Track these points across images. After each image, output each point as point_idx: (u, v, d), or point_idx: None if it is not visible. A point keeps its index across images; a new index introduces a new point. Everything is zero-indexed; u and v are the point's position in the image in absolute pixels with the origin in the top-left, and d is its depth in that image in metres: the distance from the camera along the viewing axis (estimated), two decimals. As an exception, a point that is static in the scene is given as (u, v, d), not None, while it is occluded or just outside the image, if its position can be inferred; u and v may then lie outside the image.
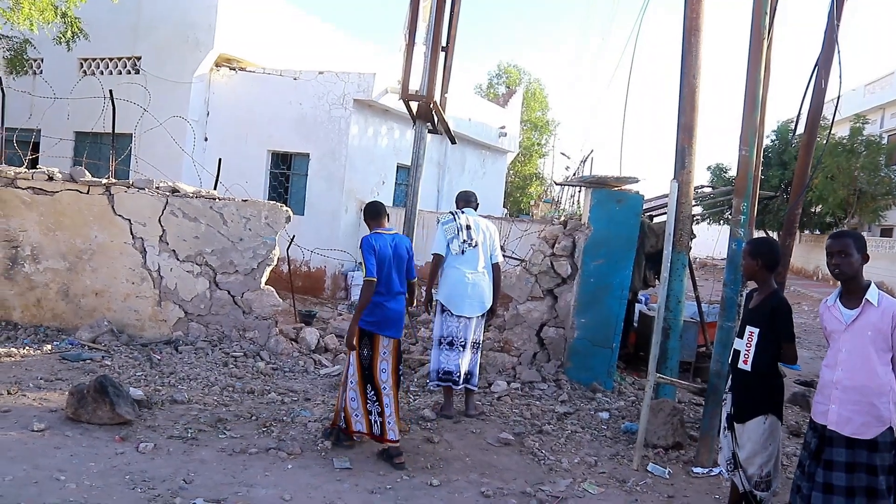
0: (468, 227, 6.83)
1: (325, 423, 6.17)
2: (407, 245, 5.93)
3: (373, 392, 5.68)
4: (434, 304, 7.00)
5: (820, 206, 27.19)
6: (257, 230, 8.80)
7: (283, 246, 9.92)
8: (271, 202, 9.11)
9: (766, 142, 24.84)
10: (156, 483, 4.80)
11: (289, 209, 9.01)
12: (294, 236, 10.52)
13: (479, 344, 7.01)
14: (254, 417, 6.36)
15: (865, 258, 4.07)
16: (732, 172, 27.85)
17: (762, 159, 6.96)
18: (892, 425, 3.90)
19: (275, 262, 8.94)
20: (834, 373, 4.05)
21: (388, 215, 5.97)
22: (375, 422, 5.67)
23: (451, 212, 6.97)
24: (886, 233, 28.70)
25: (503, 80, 37.39)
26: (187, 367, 7.70)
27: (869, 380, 3.92)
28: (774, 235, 26.73)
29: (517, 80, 36.40)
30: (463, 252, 6.79)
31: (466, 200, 7.12)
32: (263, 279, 8.84)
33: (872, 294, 3.98)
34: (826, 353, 4.16)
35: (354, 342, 5.62)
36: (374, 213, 5.86)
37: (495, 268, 7.03)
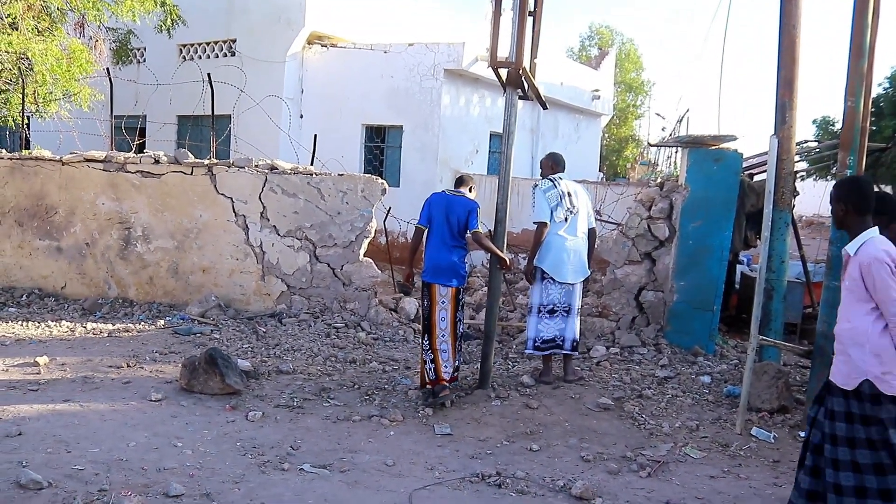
0: (569, 194, 6.76)
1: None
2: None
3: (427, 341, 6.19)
4: (535, 271, 6.96)
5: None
6: (354, 203, 8.95)
7: (380, 218, 10.07)
8: (367, 175, 9.25)
9: (878, 90, 23.53)
10: (265, 449, 5.02)
11: (384, 182, 9.12)
12: (390, 208, 10.66)
13: (579, 309, 6.98)
14: (356, 386, 6.54)
15: (852, 206, 3.97)
16: (839, 125, 26.61)
17: (872, 109, 6.64)
18: (870, 377, 3.80)
19: (372, 234, 9.08)
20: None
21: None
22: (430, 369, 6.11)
23: (549, 178, 6.86)
24: None
25: (595, 41, 36.53)
26: (291, 338, 7.96)
27: (848, 329, 3.93)
28: (889, 189, 25.44)
29: (609, 41, 35.52)
30: (566, 219, 6.72)
31: (562, 165, 6.96)
32: (362, 251, 9.00)
33: (852, 246, 3.93)
34: None
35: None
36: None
37: (591, 233, 6.96)
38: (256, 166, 9.15)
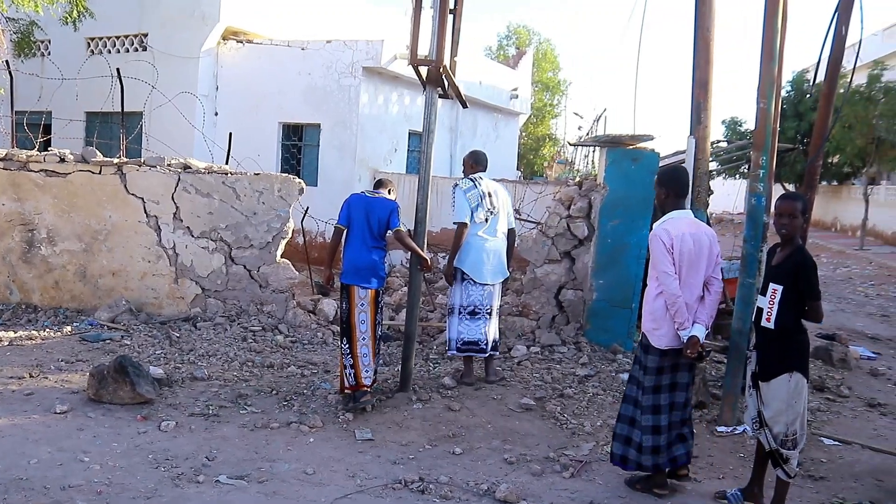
0: (490, 195, 6.72)
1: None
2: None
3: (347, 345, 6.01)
4: (454, 272, 6.92)
5: (837, 156, 26.78)
6: (271, 203, 8.75)
7: (298, 218, 9.87)
8: (284, 175, 9.06)
9: (782, 93, 24.45)
10: (179, 461, 4.83)
11: (301, 181, 8.95)
12: (308, 208, 10.47)
13: (498, 310, 6.96)
14: (274, 392, 6.38)
15: (672, 191, 4.85)
16: (747, 126, 27.47)
17: (779, 112, 6.81)
18: (645, 331, 4.79)
19: (290, 235, 8.90)
20: None
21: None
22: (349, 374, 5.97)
23: (470, 178, 6.81)
24: (906, 181, 28.32)
25: (513, 41, 36.92)
26: (206, 343, 7.71)
27: (646, 293, 4.86)
28: (791, 188, 26.44)
29: (527, 41, 35.94)
30: (486, 220, 6.69)
31: (483, 164, 6.92)
32: (279, 252, 8.81)
33: (657, 224, 4.85)
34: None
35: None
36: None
37: (511, 233, 6.95)
38: (169, 165, 8.85)
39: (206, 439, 5.25)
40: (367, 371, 5.96)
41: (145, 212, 8.75)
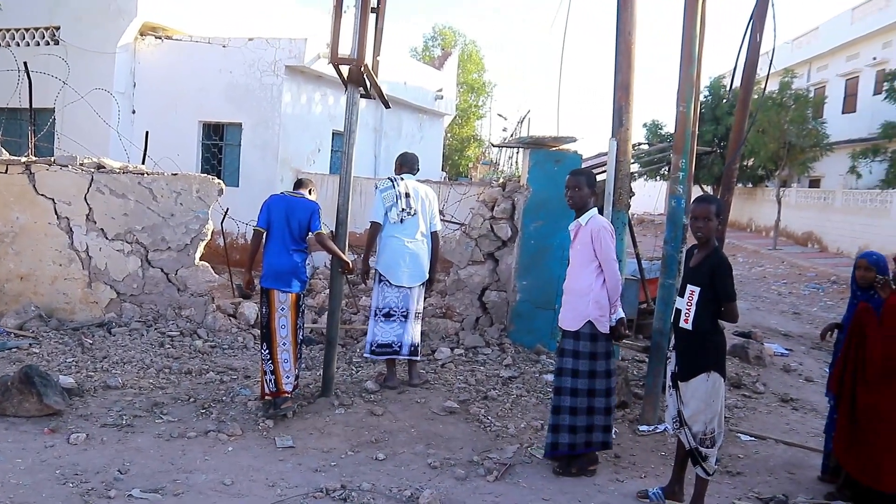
0: (407, 195, 6.65)
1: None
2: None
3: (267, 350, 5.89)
4: (372, 273, 6.84)
5: (752, 159, 27.66)
6: (189, 204, 8.52)
7: (218, 219, 9.64)
8: (202, 175, 8.83)
9: (701, 98, 25.08)
10: (89, 476, 4.61)
11: (221, 181, 8.74)
12: (228, 209, 10.23)
13: (420, 314, 6.90)
14: (192, 399, 6.18)
15: (589, 188, 5.14)
16: (668, 129, 28.12)
17: (698, 115, 6.95)
18: (591, 319, 5.01)
19: (209, 237, 8.69)
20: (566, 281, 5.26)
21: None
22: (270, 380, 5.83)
23: (389, 178, 6.76)
24: (815, 184, 29.41)
25: (438, 42, 36.91)
26: (121, 349, 7.43)
27: (576, 285, 5.11)
28: (709, 190, 27.17)
29: (452, 42, 35.99)
30: (402, 220, 6.61)
31: (409, 165, 6.86)
32: (198, 255, 8.59)
33: (584, 219, 5.12)
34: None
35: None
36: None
37: (434, 236, 6.87)
38: (81, 165, 8.53)
39: (118, 451, 5.04)
40: (287, 377, 5.82)
41: (56, 213, 8.40)
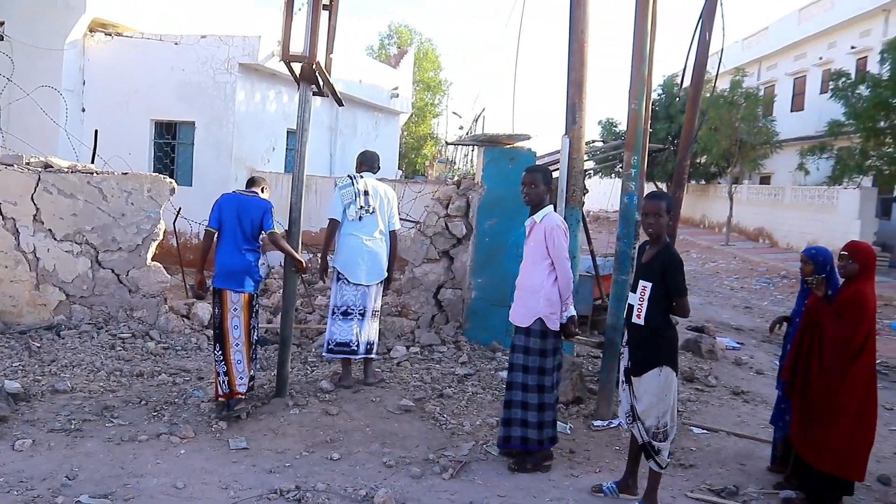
0: (366, 193, 6.63)
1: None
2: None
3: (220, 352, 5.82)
4: (330, 271, 6.81)
5: (705, 156, 28.13)
6: (140, 204, 8.38)
7: (170, 219, 9.50)
8: (154, 174, 8.70)
9: (653, 96, 25.35)
10: (35, 483, 4.50)
11: (172, 181, 8.62)
12: (180, 208, 10.09)
13: (377, 312, 6.88)
14: (143, 402, 6.07)
15: (545, 185, 5.19)
16: (622, 127, 28.41)
17: (650, 113, 7.03)
18: (541, 316, 5.06)
19: (161, 237, 8.56)
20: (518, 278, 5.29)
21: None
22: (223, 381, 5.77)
23: (349, 175, 6.74)
24: (765, 180, 29.98)
25: (394, 40, 36.83)
26: (70, 352, 7.29)
27: (529, 282, 5.15)
28: (663, 187, 27.53)
29: (408, 41, 35.95)
30: (360, 218, 6.60)
31: (369, 164, 6.86)
32: (149, 255, 8.45)
33: (538, 216, 5.17)
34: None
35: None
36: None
37: (392, 235, 6.87)
38: (28, 164, 8.35)
39: (66, 457, 4.93)
40: (241, 378, 5.76)
41: (1, 214, 8.19)
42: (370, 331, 6.72)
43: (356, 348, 6.62)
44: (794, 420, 5.02)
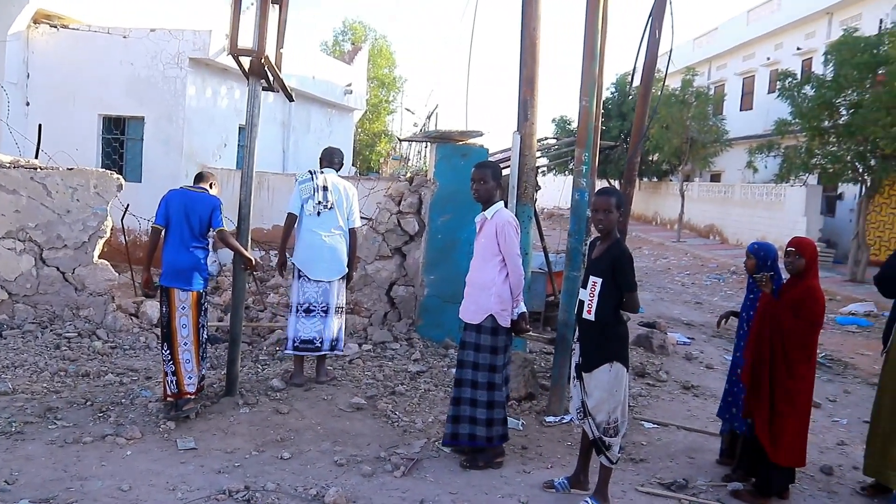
0: (324, 188, 6.59)
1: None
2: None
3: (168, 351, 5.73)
4: (289, 267, 6.74)
5: (657, 154, 28.48)
6: (86, 200, 8.21)
7: (118, 216, 9.31)
8: (100, 170, 8.53)
9: (606, 94, 25.61)
10: (-28, 487, 4.38)
11: (120, 177, 8.47)
12: (128, 205, 9.89)
13: (342, 308, 6.83)
14: (89, 403, 5.94)
15: (496, 182, 5.16)
16: (575, 125, 28.67)
17: (602, 111, 7.07)
18: (492, 313, 5.06)
19: (108, 234, 8.41)
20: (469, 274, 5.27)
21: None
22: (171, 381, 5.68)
23: (309, 171, 6.70)
24: (716, 178, 30.47)
25: (349, 36, 36.61)
26: (13, 353, 7.10)
27: (479, 278, 5.14)
28: (616, 184, 27.80)
29: (363, 37, 35.76)
30: (318, 213, 6.55)
31: (329, 160, 6.82)
32: (96, 253, 8.29)
33: (489, 213, 5.16)
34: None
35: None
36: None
37: (352, 233, 6.82)
38: (-33, 159, 8.11)
39: (6, 461, 4.79)
40: (189, 377, 5.67)
41: (-61, 210, 7.97)
42: (334, 327, 6.68)
43: (320, 345, 6.59)
44: (758, 416, 5.05)
